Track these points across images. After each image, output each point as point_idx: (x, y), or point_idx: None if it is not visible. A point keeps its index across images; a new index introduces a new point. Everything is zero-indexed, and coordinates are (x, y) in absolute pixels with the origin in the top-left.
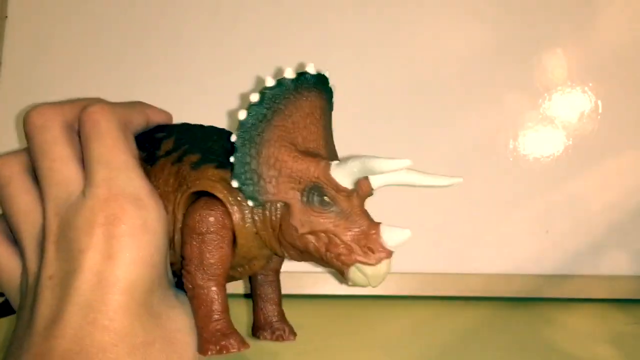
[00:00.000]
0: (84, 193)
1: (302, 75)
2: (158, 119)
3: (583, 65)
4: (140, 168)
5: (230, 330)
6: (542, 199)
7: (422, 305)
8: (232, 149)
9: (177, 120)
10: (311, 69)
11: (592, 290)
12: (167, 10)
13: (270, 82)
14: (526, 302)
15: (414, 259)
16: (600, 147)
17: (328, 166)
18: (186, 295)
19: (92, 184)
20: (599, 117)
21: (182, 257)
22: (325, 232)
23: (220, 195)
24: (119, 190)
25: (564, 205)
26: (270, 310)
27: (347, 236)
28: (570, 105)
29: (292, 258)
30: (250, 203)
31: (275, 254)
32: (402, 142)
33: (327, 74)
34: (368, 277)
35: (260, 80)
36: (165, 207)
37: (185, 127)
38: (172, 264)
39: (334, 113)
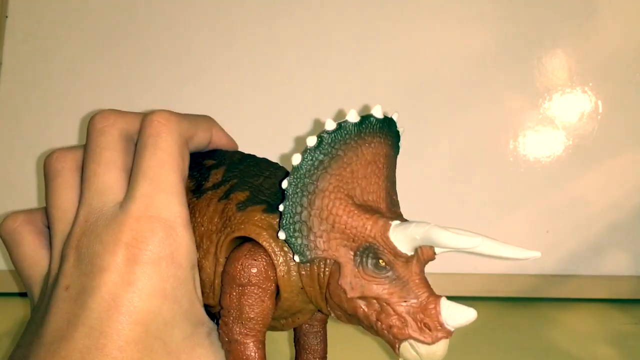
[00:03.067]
0: (120, 205)
1: (366, 118)
2: (223, 143)
3: (583, 65)
4: (184, 193)
5: None
6: (542, 199)
7: None
8: (282, 195)
9: None
10: (377, 112)
11: (592, 290)
12: (168, 8)
13: (330, 126)
14: (526, 302)
15: None
16: (600, 147)
17: (387, 226)
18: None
19: (131, 197)
20: (599, 117)
21: (221, 306)
22: (377, 299)
23: (265, 245)
24: (155, 212)
25: (564, 205)
26: None
27: (402, 307)
28: (570, 106)
29: (339, 319)
30: (296, 258)
31: (320, 312)
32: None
33: (395, 117)
34: (421, 357)
35: (318, 123)
36: (208, 248)
37: (237, 157)
38: (210, 306)
39: None
